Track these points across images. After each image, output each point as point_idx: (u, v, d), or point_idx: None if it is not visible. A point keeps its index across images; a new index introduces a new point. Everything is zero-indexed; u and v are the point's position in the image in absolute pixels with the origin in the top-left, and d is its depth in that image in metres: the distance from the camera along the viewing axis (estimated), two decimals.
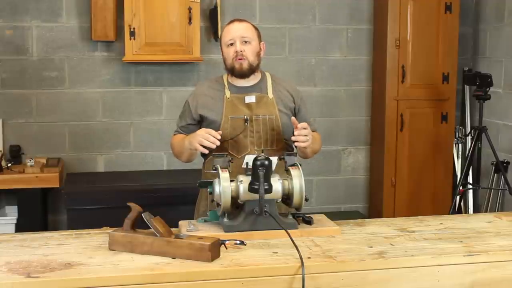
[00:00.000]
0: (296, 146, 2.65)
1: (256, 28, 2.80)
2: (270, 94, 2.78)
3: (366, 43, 5.13)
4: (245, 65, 2.72)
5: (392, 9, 4.84)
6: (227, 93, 2.76)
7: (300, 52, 5.02)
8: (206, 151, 2.61)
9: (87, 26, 4.61)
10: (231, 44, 2.73)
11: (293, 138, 2.58)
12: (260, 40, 2.80)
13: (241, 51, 2.70)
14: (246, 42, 2.72)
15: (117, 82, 4.75)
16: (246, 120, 2.71)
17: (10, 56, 4.57)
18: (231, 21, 2.80)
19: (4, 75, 4.58)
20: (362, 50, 5.13)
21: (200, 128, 2.73)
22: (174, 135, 2.89)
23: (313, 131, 2.77)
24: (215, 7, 4.72)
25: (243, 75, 2.75)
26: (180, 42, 4.50)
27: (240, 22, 2.78)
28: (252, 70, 2.75)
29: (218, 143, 2.56)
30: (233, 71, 2.75)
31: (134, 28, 4.40)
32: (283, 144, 2.76)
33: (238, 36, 2.72)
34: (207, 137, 2.55)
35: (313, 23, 5.03)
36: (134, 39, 4.41)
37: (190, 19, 4.47)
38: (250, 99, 2.75)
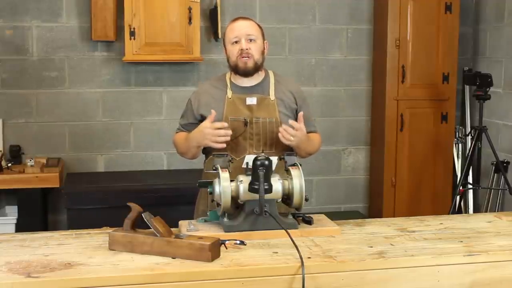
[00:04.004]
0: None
1: (260, 27, 2.79)
2: (272, 96, 2.76)
3: (366, 43, 5.13)
4: (250, 63, 2.70)
5: (392, 9, 4.84)
6: (229, 93, 2.75)
7: (300, 52, 5.02)
8: (224, 145, 2.60)
9: (87, 26, 4.61)
10: (236, 42, 2.71)
11: (280, 128, 2.59)
12: (264, 39, 2.78)
13: (247, 49, 2.68)
14: (251, 40, 2.71)
15: (117, 82, 4.75)
16: (246, 123, 2.70)
17: (10, 56, 4.57)
18: (236, 19, 2.78)
19: (4, 75, 4.58)
20: (362, 50, 5.13)
21: None
22: (177, 133, 2.88)
23: (310, 132, 2.77)
24: (215, 7, 4.72)
25: (248, 73, 2.73)
26: (180, 42, 4.50)
27: (244, 20, 2.76)
28: (256, 68, 2.74)
29: (231, 132, 2.58)
30: (237, 69, 2.73)
31: (134, 28, 4.40)
32: (282, 147, 2.74)
33: (244, 34, 2.70)
34: (218, 133, 2.56)
35: (313, 23, 5.03)
36: (134, 39, 4.41)
37: (190, 19, 4.47)
38: (252, 101, 2.73)
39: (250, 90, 2.76)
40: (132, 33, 4.40)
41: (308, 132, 2.75)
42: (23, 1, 4.55)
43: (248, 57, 2.69)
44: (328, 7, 5.03)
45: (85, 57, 4.68)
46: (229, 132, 2.58)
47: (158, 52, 4.48)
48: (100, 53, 4.70)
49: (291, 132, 2.58)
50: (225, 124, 2.60)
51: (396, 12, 4.85)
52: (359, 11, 5.08)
